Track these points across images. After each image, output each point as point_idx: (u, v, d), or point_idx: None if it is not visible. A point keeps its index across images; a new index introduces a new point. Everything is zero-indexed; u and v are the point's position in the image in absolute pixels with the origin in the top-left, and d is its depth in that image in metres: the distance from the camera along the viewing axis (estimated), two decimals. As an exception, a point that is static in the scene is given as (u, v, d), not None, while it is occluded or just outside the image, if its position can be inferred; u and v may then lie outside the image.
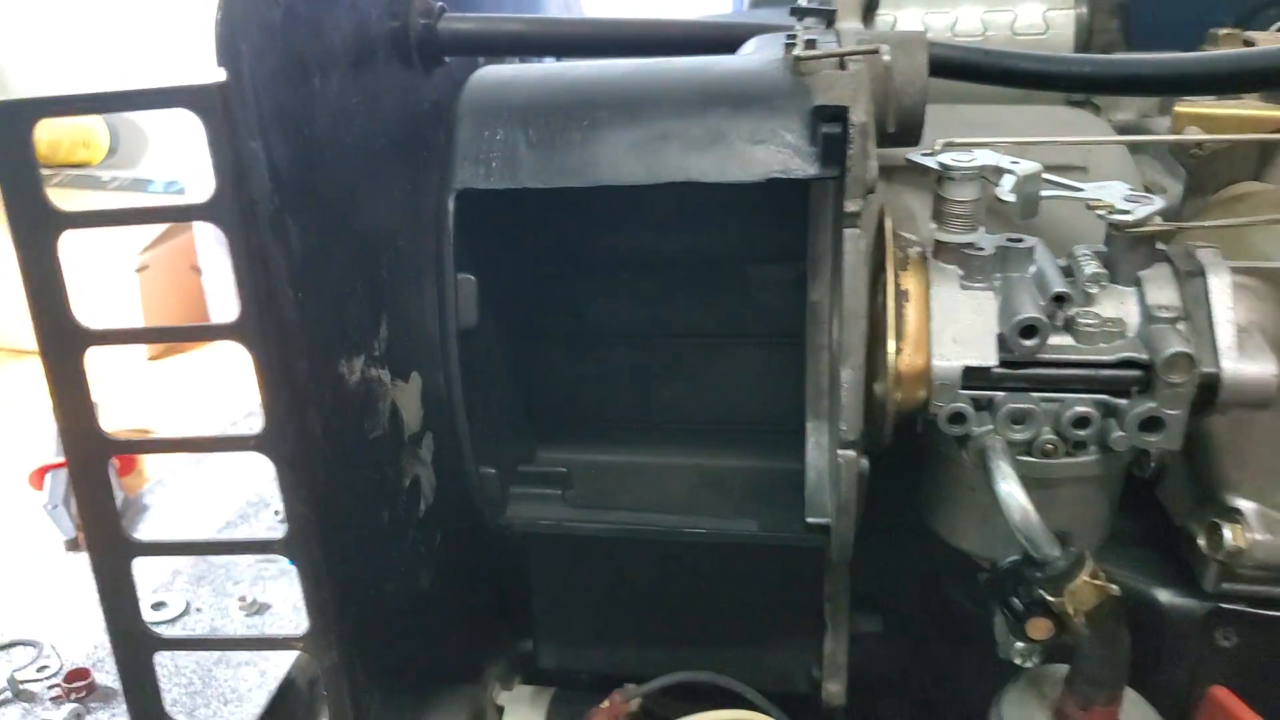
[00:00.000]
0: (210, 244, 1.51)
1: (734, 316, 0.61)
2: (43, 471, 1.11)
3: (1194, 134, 0.65)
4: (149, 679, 0.52)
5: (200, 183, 1.55)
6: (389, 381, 0.55)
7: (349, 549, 0.51)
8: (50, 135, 1.87)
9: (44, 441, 1.18)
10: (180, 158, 1.75)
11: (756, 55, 0.52)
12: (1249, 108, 0.67)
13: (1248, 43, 0.81)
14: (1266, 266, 0.48)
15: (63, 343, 0.47)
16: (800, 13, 0.57)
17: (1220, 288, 0.45)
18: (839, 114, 0.44)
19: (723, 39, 0.61)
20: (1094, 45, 0.94)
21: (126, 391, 1.35)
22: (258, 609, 0.86)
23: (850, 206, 0.44)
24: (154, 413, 1.33)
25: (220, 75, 0.41)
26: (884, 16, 0.90)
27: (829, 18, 0.58)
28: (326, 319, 0.49)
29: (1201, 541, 0.51)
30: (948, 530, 0.52)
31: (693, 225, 0.59)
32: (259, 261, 0.44)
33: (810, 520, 0.53)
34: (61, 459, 1.15)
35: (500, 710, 0.67)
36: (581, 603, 0.69)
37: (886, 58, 0.47)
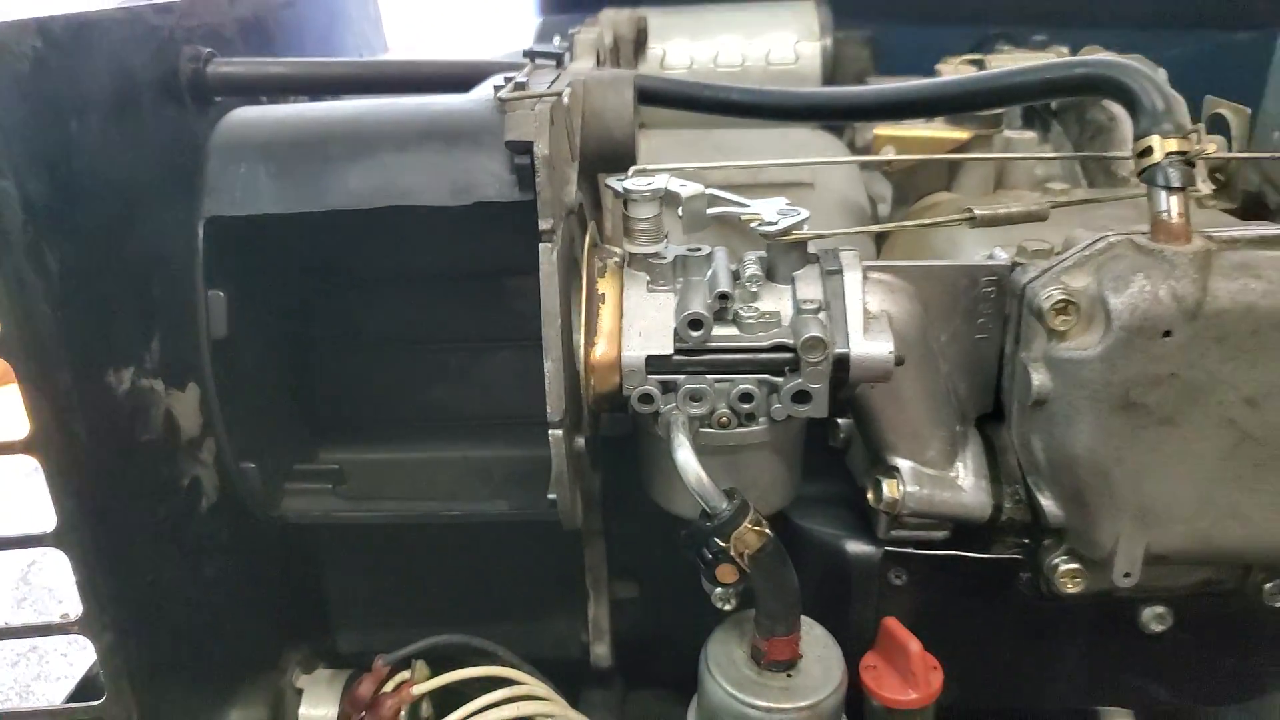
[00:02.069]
0: None
1: (494, 323, 0.68)
2: None
3: (888, 153, 0.77)
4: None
5: None
6: (162, 391, 0.61)
7: (122, 540, 0.56)
8: None
9: None
10: None
11: (474, 95, 0.60)
12: (936, 130, 0.78)
13: (980, 65, 0.92)
14: (900, 265, 0.58)
15: None
16: (532, 55, 0.66)
17: (853, 282, 0.55)
18: (526, 148, 0.52)
19: (465, 77, 0.69)
20: (846, 72, 1.06)
21: None
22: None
23: (542, 225, 0.52)
24: None
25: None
26: (654, 49, 0.99)
27: (559, 59, 0.67)
28: (90, 334, 0.54)
29: (870, 496, 0.61)
30: (662, 498, 0.61)
31: (454, 243, 0.66)
32: (16, 284, 0.49)
33: (550, 496, 0.61)
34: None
35: (299, 693, 0.73)
36: (374, 589, 0.76)
37: (565, 100, 0.55)
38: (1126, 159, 0.57)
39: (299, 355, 0.68)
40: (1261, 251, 0.53)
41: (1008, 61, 0.84)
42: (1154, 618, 0.62)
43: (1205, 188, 0.71)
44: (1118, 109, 0.80)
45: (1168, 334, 0.52)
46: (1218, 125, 0.78)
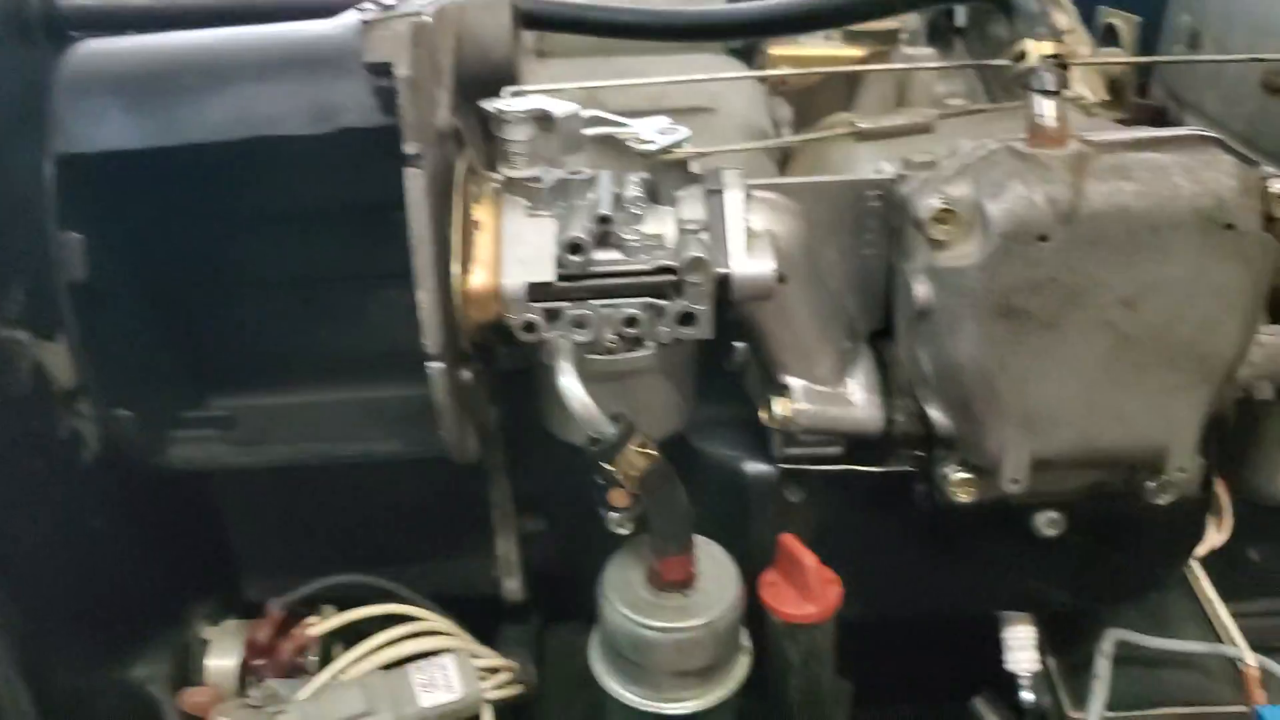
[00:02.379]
0: None
1: (380, 258, 0.66)
2: None
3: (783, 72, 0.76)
4: None
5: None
6: (28, 341, 0.59)
7: None
8: None
9: None
10: None
11: (339, 20, 0.58)
12: (831, 48, 0.78)
13: None
14: (783, 182, 0.58)
15: None
16: (404, -20, 0.63)
17: (734, 201, 0.54)
18: (386, 69, 0.50)
19: (340, 6, 0.66)
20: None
21: None
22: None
23: (408, 149, 0.51)
24: None
25: None
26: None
27: (436, -13, 0.65)
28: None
29: (764, 415, 0.61)
30: (557, 427, 0.61)
31: (330, 176, 0.64)
32: None
33: (440, 434, 0.60)
34: None
35: (205, 644, 0.72)
36: (281, 537, 0.75)
37: (428, 18, 0.53)
38: (1005, 65, 0.56)
39: (177, 301, 0.65)
40: (1135, 154, 0.53)
41: None
42: (1047, 522, 0.64)
43: (1091, 94, 0.71)
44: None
45: (1044, 238, 0.52)
46: (1111, 35, 0.78)
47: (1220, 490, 0.82)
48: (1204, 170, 0.53)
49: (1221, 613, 0.76)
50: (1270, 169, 0.55)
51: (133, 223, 0.60)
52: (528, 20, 0.67)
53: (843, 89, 0.77)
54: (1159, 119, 0.98)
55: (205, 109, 0.53)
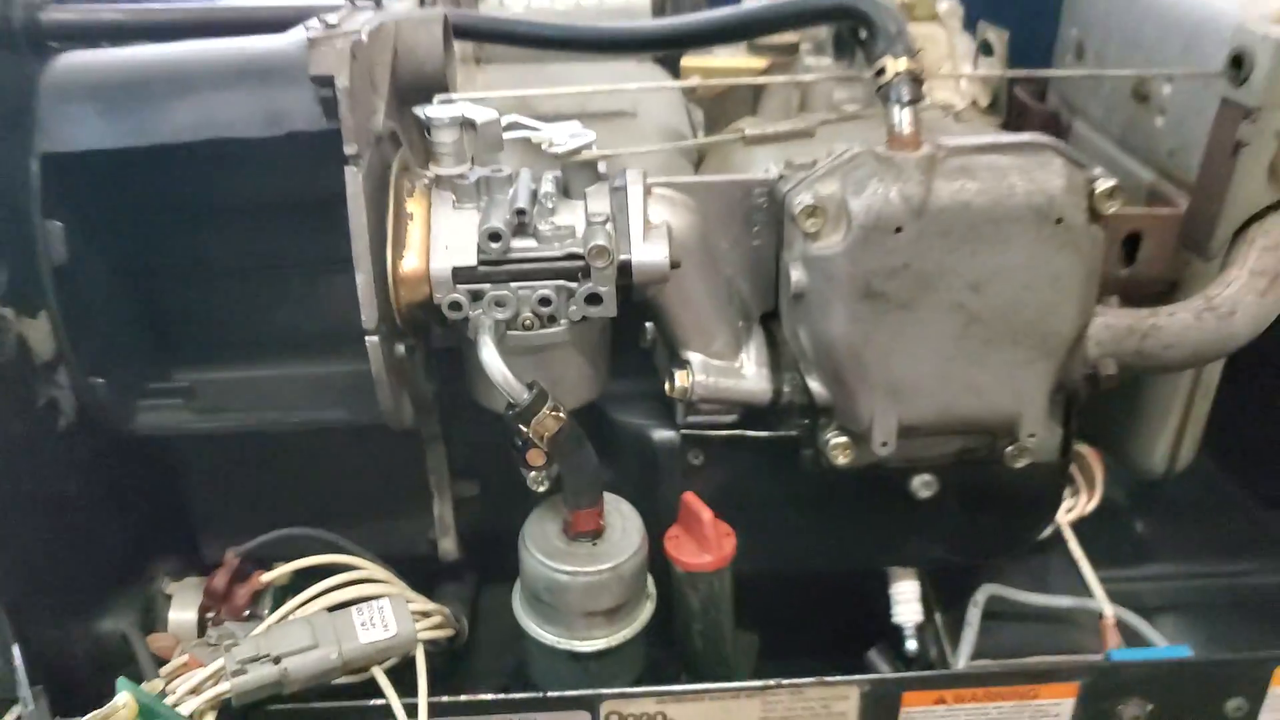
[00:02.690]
0: None
1: (329, 247, 0.73)
2: None
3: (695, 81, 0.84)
4: None
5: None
6: (12, 317, 0.66)
7: None
8: None
9: None
10: None
11: (289, 36, 0.65)
12: (737, 59, 0.86)
13: None
14: (679, 181, 0.66)
15: None
16: (350, 1, 0.71)
17: (635, 196, 0.62)
18: (328, 81, 0.58)
19: (293, 20, 0.73)
20: (682, 6, 1.12)
21: None
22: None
23: (347, 150, 0.58)
24: None
25: None
26: (490, -3, 1.05)
27: (378, 2, 0.72)
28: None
29: (667, 387, 0.69)
30: (482, 397, 0.68)
31: (283, 174, 0.71)
32: None
33: (378, 404, 0.68)
34: None
35: (169, 599, 0.78)
36: (235, 501, 0.81)
37: (363, 38, 0.60)
38: (865, 78, 0.64)
39: (147, 283, 0.72)
40: (979, 156, 0.61)
41: None
42: (922, 484, 0.72)
43: (961, 102, 0.80)
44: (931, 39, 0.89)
45: (899, 230, 0.60)
46: (988, 47, 0.87)
47: (1094, 462, 0.91)
48: (1037, 171, 0.61)
49: (1089, 574, 0.84)
50: (1099, 170, 0.63)
51: (107, 213, 0.67)
52: (461, 32, 0.75)
53: (748, 96, 0.85)
54: (1051, 123, 1.07)
55: (171, 113, 0.60)
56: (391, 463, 0.79)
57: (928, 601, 0.81)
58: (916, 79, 0.61)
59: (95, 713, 0.53)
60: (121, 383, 0.69)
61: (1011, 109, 1.08)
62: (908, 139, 0.61)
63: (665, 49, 0.80)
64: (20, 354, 0.66)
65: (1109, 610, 0.79)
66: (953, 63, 0.81)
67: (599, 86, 0.75)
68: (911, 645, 0.78)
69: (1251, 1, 0.75)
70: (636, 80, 0.89)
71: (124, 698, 0.53)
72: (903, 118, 0.61)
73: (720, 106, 0.86)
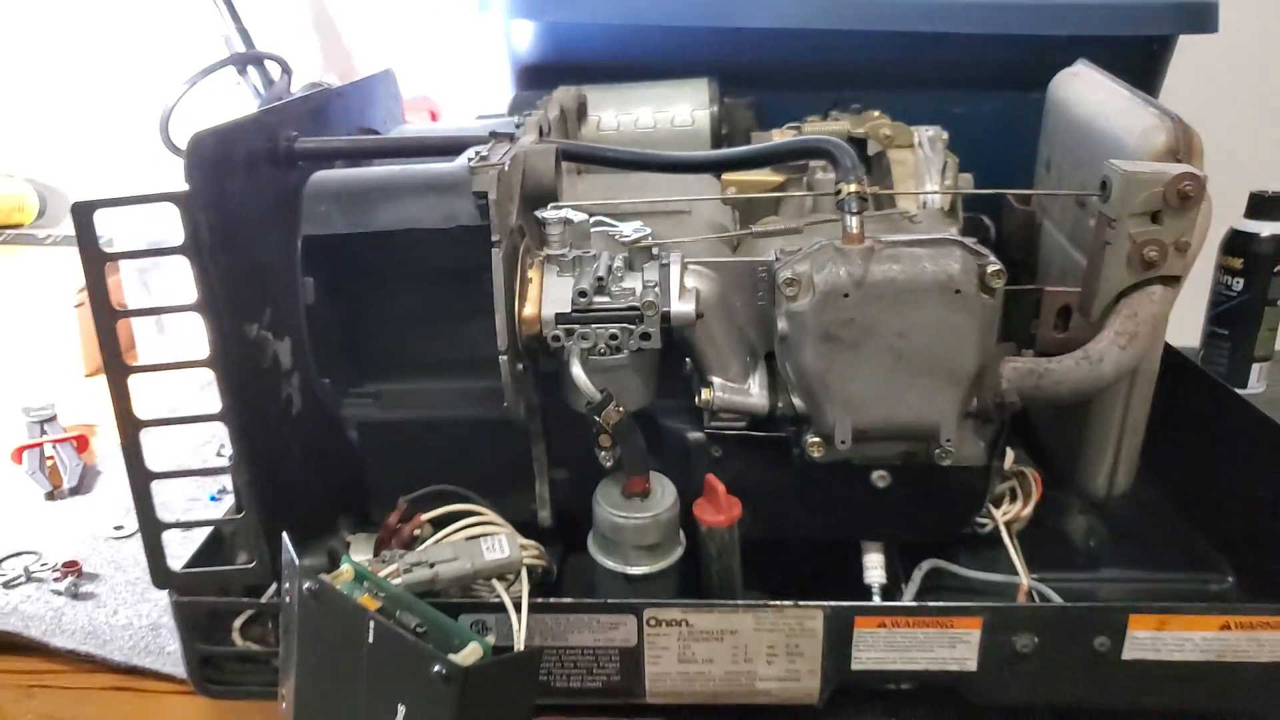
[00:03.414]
0: (134, 285, 1.83)
1: (477, 299, 1.05)
2: (20, 450, 1.49)
3: (730, 192, 1.16)
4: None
5: (123, 238, 1.94)
6: (271, 339, 1.01)
7: (253, 421, 0.93)
8: (-9, 202, 2.26)
9: (16, 430, 1.56)
10: (102, 221, 2.08)
11: (459, 162, 1.00)
12: (762, 174, 1.17)
13: (798, 130, 1.32)
14: (708, 260, 0.98)
15: (117, 371, 0.83)
16: (494, 134, 1.06)
17: (675, 270, 0.94)
18: (484, 195, 0.92)
19: (458, 145, 1.09)
20: (737, 129, 1.45)
21: (70, 401, 1.71)
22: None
23: (494, 238, 0.91)
24: (95, 415, 1.71)
25: (185, 185, 0.86)
26: (593, 117, 1.39)
27: (512, 138, 1.07)
28: (235, 303, 0.94)
29: (696, 400, 1.00)
30: (572, 402, 0.98)
31: (453, 252, 1.04)
32: (203, 272, 0.87)
33: (505, 405, 1.00)
34: (34, 441, 1.56)
35: (347, 545, 1.11)
36: (397, 478, 1.12)
37: (505, 166, 0.95)
38: (834, 195, 0.95)
39: (355, 321, 1.07)
40: (904, 248, 0.91)
41: (813, 129, 1.24)
42: (879, 478, 0.96)
43: (915, 209, 1.10)
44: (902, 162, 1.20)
45: (846, 295, 0.88)
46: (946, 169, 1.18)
47: (1033, 480, 1.17)
48: (943, 258, 0.90)
49: (1016, 559, 1.08)
50: (992, 259, 0.91)
51: (337, 274, 1.03)
52: (567, 156, 1.10)
53: (772, 201, 1.17)
54: (1029, 220, 1.36)
55: (385, 212, 0.95)
56: (508, 453, 1.09)
57: (894, 569, 1.08)
58: (863, 197, 0.93)
59: (326, 574, 0.86)
60: (335, 385, 1.04)
61: (1003, 208, 1.38)
62: (855, 237, 0.91)
63: (702, 171, 1.13)
64: (274, 364, 1.02)
65: (1025, 580, 1.05)
66: (915, 181, 1.12)
67: (661, 195, 1.08)
68: (876, 600, 1.06)
69: (1143, 137, 1.04)
70: (695, 188, 1.22)
71: (345, 566, 0.86)
72: (852, 222, 0.92)
73: (750, 209, 1.18)
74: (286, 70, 2.07)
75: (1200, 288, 1.83)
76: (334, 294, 0.92)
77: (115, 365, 0.89)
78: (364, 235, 0.86)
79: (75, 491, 1.48)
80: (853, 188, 0.91)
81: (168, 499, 1.41)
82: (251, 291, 0.87)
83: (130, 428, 0.91)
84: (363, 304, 1.03)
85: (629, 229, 0.95)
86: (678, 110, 1.36)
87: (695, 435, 0.94)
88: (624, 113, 1.37)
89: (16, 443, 1.56)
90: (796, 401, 0.89)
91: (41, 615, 1.18)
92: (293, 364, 1.03)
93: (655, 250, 0.96)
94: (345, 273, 0.92)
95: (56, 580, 1.22)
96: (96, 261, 0.88)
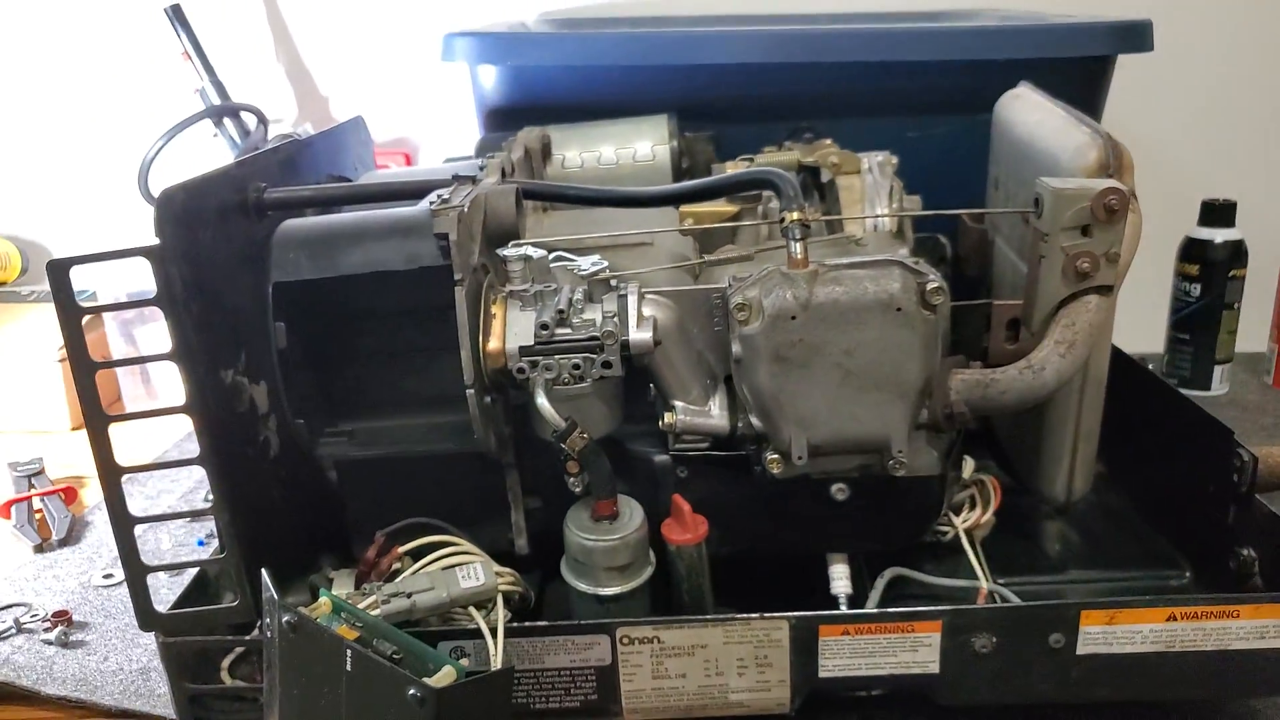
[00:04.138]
0: (116, 337, 1.87)
1: (443, 337, 1.10)
2: (9, 504, 1.52)
3: (688, 224, 1.20)
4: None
5: (106, 290, 1.97)
6: (247, 384, 1.05)
7: (231, 464, 0.97)
8: (-25, 261, 2.30)
9: (4, 484, 1.59)
10: (85, 275, 2.11)
11: (420, 206, 1.05)
12: (717, 205, 1.22)
13: (750, 161, 1.37)
14: (664, 289, 1.02)
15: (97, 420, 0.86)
16: (456, 177, 1.11)
17: (633, 300, 0.98)
18: (445, 237, 0.96)
19: (423, 189, 1.13)
20: (698, 162, 1.50)
21: (57, 454, 1.73)
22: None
23: (456, 277, 0.96)
24: (82, 467, 1.73)
25: (156, 240, 0.90)
26: (557, 155, 1.44)
27: (474, 180, 1.12)
28: (211, 350, 0.97)
29: (660, 424, 1.04)
30: (539, 431, 1.02)
31: (416, 292, 1.09)
32: (178, 322, 0.91)
33: (475, 437, 1.04)
34: (21, 495, 1.59)
35: (330, 581, 1.14)
36: (376, 514, 1.17)
37: (465, 208, 0.99)
38: (779, 223, 1.00)
39: (326, 362, 1.11)
40: (847, 270, 0.95)
41: (766, 160, 1.28)
42: (838, 490, 1.00)
43: (861, 232, 1.14)
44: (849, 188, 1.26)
45: (794, 318, 0.93)
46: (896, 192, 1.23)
47: (991, 487, 1.21)
48: (884, 278, 0.94)
49: (975, 564, 1.12)
50: (932, 276, 0.96)
51: (307, 317, 1.07)
52: (529, 194, 1.14)
53: (728, 230, 1.21)
54: (983, 238, 1.41)
55: (350, 256, 1.00)
56: (483, 484, 1.13)
57: (860, 579, 1.12)
58: (805, 224, 0.97)
59: (305, 608, 0.89)
60: (310, 425, 1.08)
61: (959, 227, 1.43)
62: (799, 262, 0.96)
63: (660, 205, 1.17)
64: (250, 408, 1.05)
65: (985, 584, 1.09)
66: (862, 206, 1.17)
67: (622, 229, 1.13)
68: (843, 610, 1.09)
69: (1075, 155, 1.09)
70: (656, 221, 1.26)
71: (323, 599, 0.89)
72: (796, 248, 0.97)
73: (710, 237, 1.23)
74: (263, 120, 2.12)
75: (1161, 294, 1.88)
76: (305, 337, 0.95)
77: (95, 415, 0.93)
78: (332, 279, 0.88)
79: (64, 543, 1.50)
80: (795, 215, 0.96)
81: (156, 546, 1.44)
82: (226, 338, 0.90)
83: (111, 475, 0.95)
84: (334, 345, 1.04)
85: (586, 263, 1.00)
86: (639, 146, 1.41)
87: (661, 458, 0.98)
88: (587, 150, 1.42)
89: (4, 497, 1.58)
90: (755, 421, 0.93)
91: (32, 665, 1.21)
92: (269, 407, 1.06)
93: (614, 282, 1.00)
94: (315, 316, 0.96)
95: (47, 630, 1.24)
96: (73, 316, 0.91)
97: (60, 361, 1.97)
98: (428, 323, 0.94)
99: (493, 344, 0.89)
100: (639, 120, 1.44)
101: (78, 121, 2.39)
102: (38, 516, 1.56)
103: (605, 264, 1.00)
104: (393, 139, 2.25)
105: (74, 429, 1.96)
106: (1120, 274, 0.99)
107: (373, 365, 1.10)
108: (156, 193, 0.92)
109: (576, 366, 0.88)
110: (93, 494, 1.68)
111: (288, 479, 1.07)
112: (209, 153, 2.11)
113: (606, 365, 0.88)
